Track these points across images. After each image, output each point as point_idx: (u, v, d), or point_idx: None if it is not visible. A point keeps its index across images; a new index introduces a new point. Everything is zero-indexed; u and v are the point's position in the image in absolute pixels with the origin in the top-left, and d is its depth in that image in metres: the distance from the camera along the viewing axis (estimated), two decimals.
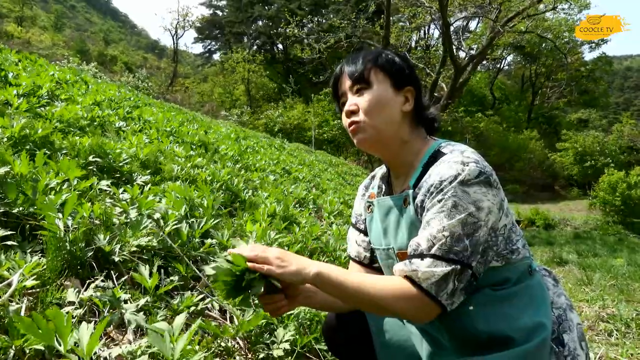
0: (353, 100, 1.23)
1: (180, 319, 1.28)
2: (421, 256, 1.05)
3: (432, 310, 1.05)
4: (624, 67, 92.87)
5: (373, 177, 1.47)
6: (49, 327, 0.95)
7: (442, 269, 1.03)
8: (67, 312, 1.36)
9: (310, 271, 1.08)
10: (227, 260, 1.08)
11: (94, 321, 1.45)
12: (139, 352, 1.28)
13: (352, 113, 1.23)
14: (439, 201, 1.07)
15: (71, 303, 1.42)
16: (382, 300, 1.06)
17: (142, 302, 1.56)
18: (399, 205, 1.23)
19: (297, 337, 1.75)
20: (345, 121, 1.26)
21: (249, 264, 1.08)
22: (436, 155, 1.19)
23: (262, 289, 1.10)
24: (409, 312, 1.07)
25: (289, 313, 1.90)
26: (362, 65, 1.24)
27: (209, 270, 1.08)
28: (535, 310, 1.13)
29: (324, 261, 2.86)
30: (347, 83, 1.26)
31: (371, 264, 1.42)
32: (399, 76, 1.24)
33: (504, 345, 1.08)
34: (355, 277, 1.10)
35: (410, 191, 1.19)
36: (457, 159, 1.11)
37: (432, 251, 1.04)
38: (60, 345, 0.95)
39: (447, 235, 1.04)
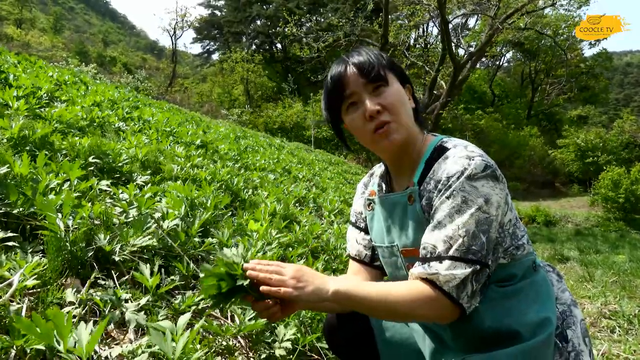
0: (374, 100, 1.15)
1: (184, 319, 1.28)
2: (439, 259, 1.04)
3: (453, 312, 1.05)
4: (624, 63, 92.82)
5: (372, 174, 1.46)
6: (48, 327, 0.94)
7: (463, 270, 1.01)
8: (68, 312, 1.36)
9: (329, 289, 1.04)
10: (225, 262, 1.07)
11: (94, 321, 1.44)
12: (139, 352, 1.27)
13: (378, 113, 1.15)
14: (448, 198, 1.06)
15: (72, 303, 1.42)
16: (404, 308, 1.04)
17: (143, 301, 1.55)
18: (403, 203, 1.22)
19: (299, 336, 1.74)
20: (365, 125, 1.17)
21: (263, 288, 1.03)
22: (439, 151, 1.18)
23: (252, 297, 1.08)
24: (432, 316, 1.06)
25: None
26: (373, 64, 1.17)
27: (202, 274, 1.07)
28: (541, 305, 1.13)
29: (324, 260, 2.86)
30: (359, 81, 1.17)
31: (372, 263, 1.40)
32: (402, 74, 1.24)
33: (510, 341, 1.07)
34: (375, 289, 1.06)
35: (415, 188, 1.18)
36: (461, 153, 1.10)
37: (451, 253, 1.03)
38: (60, 345, 0.94)
39: (464, 235, 1.02)
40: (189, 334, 1.14)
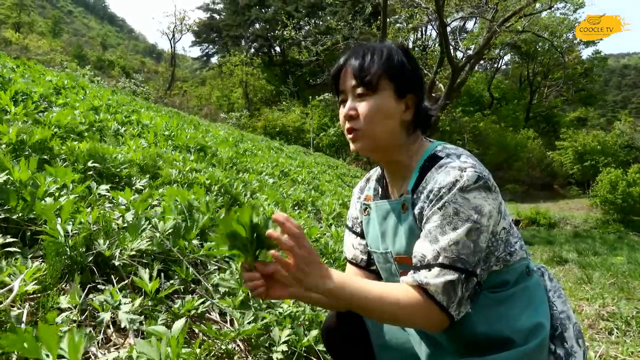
0: (353, 105, 1.18)
1: (179, 324, 1.29)
2: (428, 266, 1.05)
3: (442, 321, 1.06)
4: (621, 65, 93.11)
5: (368, 179, 1.45)
6: (35, 341, 0.95)
7: (450, 277, 1.02)
8: (67, 316, 1.37)
9: (325, 286, 1.02)
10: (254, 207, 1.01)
11: (94, 325, 1.45)
12: (134, 355, 1.28)
13: (351, 118, 1.19)
14: (440, 209, 1.07)
15: (71, 308, 1.43)
16: (395, 313, 1.05)
17: (139, 303, 1.56)
18: (397, 210, 1.23)
19: (296, 338, 1.75)
20: (344, 122, 1.22)
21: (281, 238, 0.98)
22: (432, 159, 1.18)
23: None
24: (422, 324, 1.08)
25: (285, 313, 1.91)
26: (370, 68, 1.16)
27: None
28: (534, 311, 1.14)
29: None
30: (350, 82, 1.19)
31: (368, 267, 1.41)
32: (405, 84, 1.18)
33: (502, 347, 1.08)
34: (371, 294, 1.05)
35: (409, 196, 1.18)
36: (454, 164, 1.10)
37: (440, 260, 1.04)
38: (49, 358, 0.95)
39: (452, 244, 1.03)
40: (172, 340, 1.14)
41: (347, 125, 1.20)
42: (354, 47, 1.24)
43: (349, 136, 1.21)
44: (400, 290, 1.08)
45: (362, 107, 1.17)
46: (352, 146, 1.23)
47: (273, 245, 1.03)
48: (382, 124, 1.18)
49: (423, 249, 1.08)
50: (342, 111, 1.22)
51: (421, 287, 1.05)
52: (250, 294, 1.15)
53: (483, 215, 1.06)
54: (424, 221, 1.12)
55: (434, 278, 1.03)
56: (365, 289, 1.07)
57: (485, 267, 1.09)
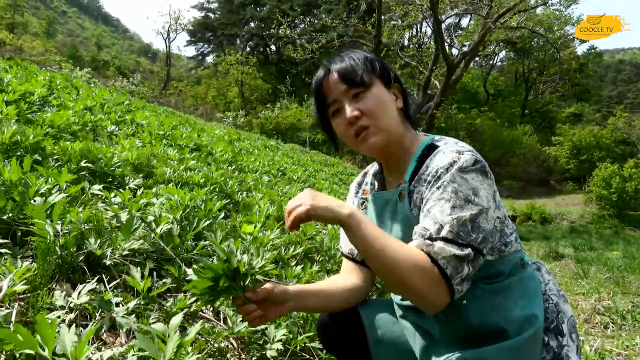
0: (353, 106, 1.19)
1: (175, 320, 1.28)
2: (431, 239, 1.03)
3: (442, 293, 1.02)
4: (617, 61, 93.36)
5: (365, 174, 1.47)
6: (31, 334, 0.94)
7: (456, 251, 1.01)
8: (58, 316, 1.35)
9: (344, 211, 1.04)
10: (226, 255, 1.07)
11: (85, 325, 1.44)
12: (130, 354, 1.27)
13: (356, 119, 1.19)
14: (438, 188, 1.08)
15: (62, 307, 1.42)
16: (400, 266, 1.01)
17: (133, 304, 1.55)
18: (393, 200, 1.24)
19: (290, 336, 1.74)
20: (347, 130, 1.22)
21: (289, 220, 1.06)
22: (430, 148, 1.20)
23: (237, 297, 1.11)
24: (421, 288, 1.01)
25: None
26: (355, 67, 1.19)
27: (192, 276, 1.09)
28: (528, 302, 1.14)
29: (318, 261, 2.86)
30: (340, 88, 1.20)
31: (364, 262, 1.41)
32: (387, 75, 1.25)
33: (496, 337, 1.09)
34: (383, 237, 1.04)
35: (405, 186, 1.20)
36: (452, 148, 1.13)
37: (442, 234, 1.02)
38: (44, 351, 0.94)
39: (454, 218, 1.03)
40: (177, 337, 1.14)
41: (355, 127, 1.20)
42: (327, 60, 1.27)
43: (360, 136, 1.20)
44: (410, 247, 1.05)
45: (364, 103, 1.19)
46: (364, 146, 1.22)
47: (255, 272, 1.15)
48: (386, 114, 1.21)
49: (424, 223, 1.07)
50: (340, 121, 1.22)
51: (427, 251, 1.03)
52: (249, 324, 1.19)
53: (480, 197, 1.06)
54: (424, 203, 1.11)
55: (440, 247, 1.01)
56: (384, 233, 1.07)
57: (488, 249, 1.08)
